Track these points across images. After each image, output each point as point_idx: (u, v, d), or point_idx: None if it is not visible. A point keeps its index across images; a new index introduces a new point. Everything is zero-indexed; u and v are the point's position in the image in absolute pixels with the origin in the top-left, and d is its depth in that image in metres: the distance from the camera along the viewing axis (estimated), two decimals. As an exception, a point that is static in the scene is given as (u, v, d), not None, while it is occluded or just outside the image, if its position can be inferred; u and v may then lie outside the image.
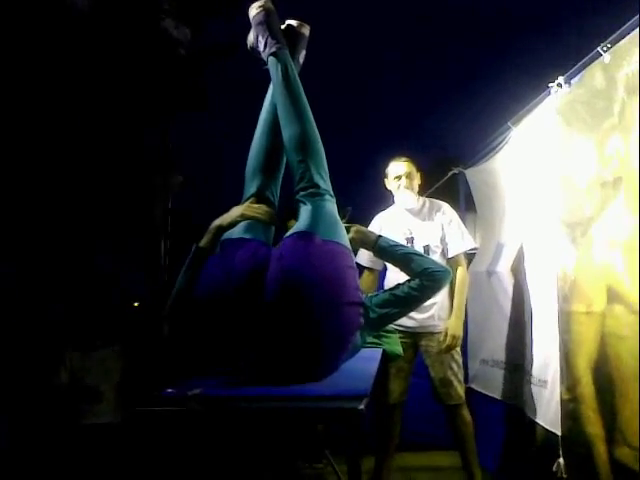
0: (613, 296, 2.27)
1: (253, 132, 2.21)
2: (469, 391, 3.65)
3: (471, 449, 3.29)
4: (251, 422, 1.72)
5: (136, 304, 4.20)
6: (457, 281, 3.26)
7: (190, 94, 4.52)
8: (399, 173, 3.38)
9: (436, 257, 3.24)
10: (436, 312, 3.28)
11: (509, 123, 3.43)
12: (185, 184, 4.46)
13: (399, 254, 2.13)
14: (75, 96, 4.06)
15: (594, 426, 2.38)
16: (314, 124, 2.09)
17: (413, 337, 3.30)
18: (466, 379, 3.71)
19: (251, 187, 2.10)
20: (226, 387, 1.74)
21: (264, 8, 2.20)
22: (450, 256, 3.31)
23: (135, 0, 4.28)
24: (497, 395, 3.55)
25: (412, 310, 2.37)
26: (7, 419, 3.13)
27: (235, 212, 1.98)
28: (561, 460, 2.63)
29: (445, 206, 3.43)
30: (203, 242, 1.93)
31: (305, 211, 1.97)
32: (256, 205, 2.04)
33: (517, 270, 3.28)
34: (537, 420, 2.94)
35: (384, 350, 2.45)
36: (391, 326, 2.50)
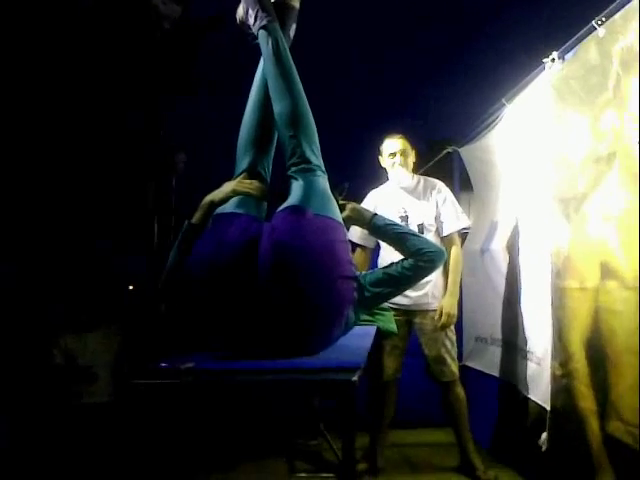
0: (606, 272, 2.27)
1: (244, 109, 2.19)
2: (463, 368, 3.67)
3: (465, 426, 3.32)
4: (244, 395, 1.72)
5: (131, 287, 4.19)
6: (451, 259, 3.25)
7: (181, 75, 4.45)
8: (394, 150, 3.36)
9: (430, 235, 3.24)
10: (430, 290, 3.28)
11: (503, 100, 3.41)
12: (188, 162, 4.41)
13: (394, 233, 2.12)
14: (66, 80, 4.01)
15: (587, 401, 2.40)
16: (305, 99, 2.06)
17: (407, 315, 3.31)
18: (460, 357, 3.72)
19: (243, 162, 2.09)
20: (219, 361, 1.74)
21: None
22: (444, 235, 3.31)
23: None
24: (492, 372, 3.57)
25: (406, 290, 2.40)
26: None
27: (227, 188, 1.97)
28: (545, 434, 2.66)
29: (440, 184, 3.41)
30: (195, 218, 1.92)
31: (297, 186, 1.96)
32: (248, 180, 2.02)
33: (511, 247, 3.28)
34: (530, 396, 2.96)
35: (378, 327, 2.45)
36: (385, 304, 2.50)
